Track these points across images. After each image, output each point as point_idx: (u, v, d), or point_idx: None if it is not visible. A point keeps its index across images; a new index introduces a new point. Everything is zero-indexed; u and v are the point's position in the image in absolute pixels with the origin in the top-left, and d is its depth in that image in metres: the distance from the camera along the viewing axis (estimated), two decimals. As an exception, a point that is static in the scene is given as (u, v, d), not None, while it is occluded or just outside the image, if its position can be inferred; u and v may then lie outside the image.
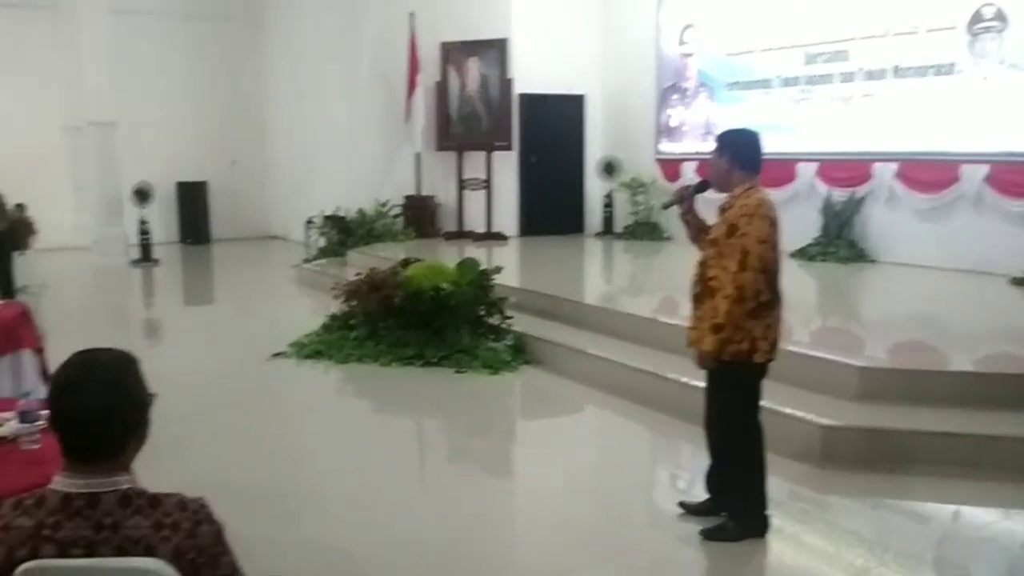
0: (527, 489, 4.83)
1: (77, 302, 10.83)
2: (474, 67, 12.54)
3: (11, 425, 2.72)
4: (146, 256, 13.21)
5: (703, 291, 3.69)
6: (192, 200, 15.70)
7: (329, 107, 14.06)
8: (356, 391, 6.70)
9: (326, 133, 14.22)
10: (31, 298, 9.62)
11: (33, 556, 1.71)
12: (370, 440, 5.42)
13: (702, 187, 3.94)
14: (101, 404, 1.75)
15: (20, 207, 10.91)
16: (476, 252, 10.18)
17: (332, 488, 4.58)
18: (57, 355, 1.99)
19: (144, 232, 13.26)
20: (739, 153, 3.67)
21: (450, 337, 6.88)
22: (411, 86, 12.51)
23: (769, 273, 3.57)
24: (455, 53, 12.64)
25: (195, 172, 15.69)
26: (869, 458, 4.56)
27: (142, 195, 13.39)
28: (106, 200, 13.37)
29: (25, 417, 2.66)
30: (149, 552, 1.72)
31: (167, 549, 1.73)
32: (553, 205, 12.74)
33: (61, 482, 1.76)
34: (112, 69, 13.29)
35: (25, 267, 10.29)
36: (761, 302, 3.56)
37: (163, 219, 14.99)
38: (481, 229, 12.41)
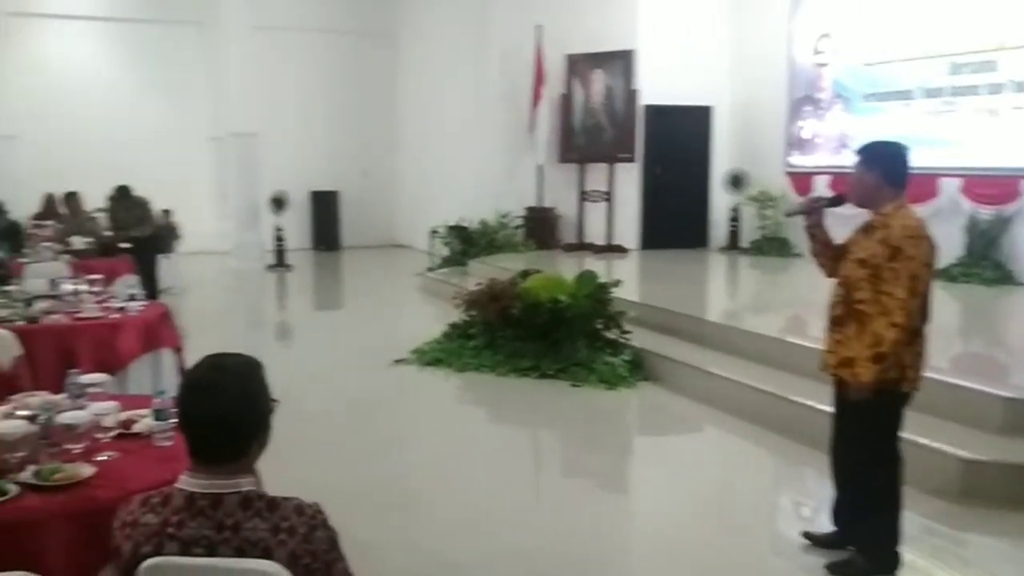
0: (643, 508, 4.72)
1: (216, 304, 11.41)
2: (599, 79, 12.48)
3: (146, 422, 2.86)
4: (280, 261, 13.78)
5: (846, 314, 3.44)
6: (325, 208, 16.30)
7: (456, 119, 14.32)
8: (474, 399, 6.75)
9: (452, 144, 14.49)
10: (174, 299, 10.21)
11: (157, 553, 1.77)
12: (486, 449, 5.44)
13: (836, 201, 3.73)
14: (226, 409, 1.80)
15: (166, 213, 11.58)
16: (595, 265, 10.09)
17: (448, 496, 4.61)
18: (195, 354, 2.06)
19: (279, 238, 13.85)
20: (890, 168, 3.43)
21: (566, 350, 6.84)
22: (536, 98, 12.58)
23: (923, 297, 3.35)
24: (581, 65, 12.63)
25: (328, 182, 16.29)
26: (1013, 495, 4.22)
27: (279, 203, 14.00)
28: (245, 207, 14.04)
29: (159, 415, 2.78)
30: (266, 555, 1.76)
31: (283, 553, 1.76)
32: (676, 218, 12.51)
33: (186, 481, 1.82)
34: (254, 83, 13.96)
35: (169, 270, 10.92)
36: (914, 328, 3.34)
37: (297, 226, 15.61)
38: (601, 241, 12.32)
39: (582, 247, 12.38)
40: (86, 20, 15.00)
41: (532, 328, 7.01)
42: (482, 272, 9.75)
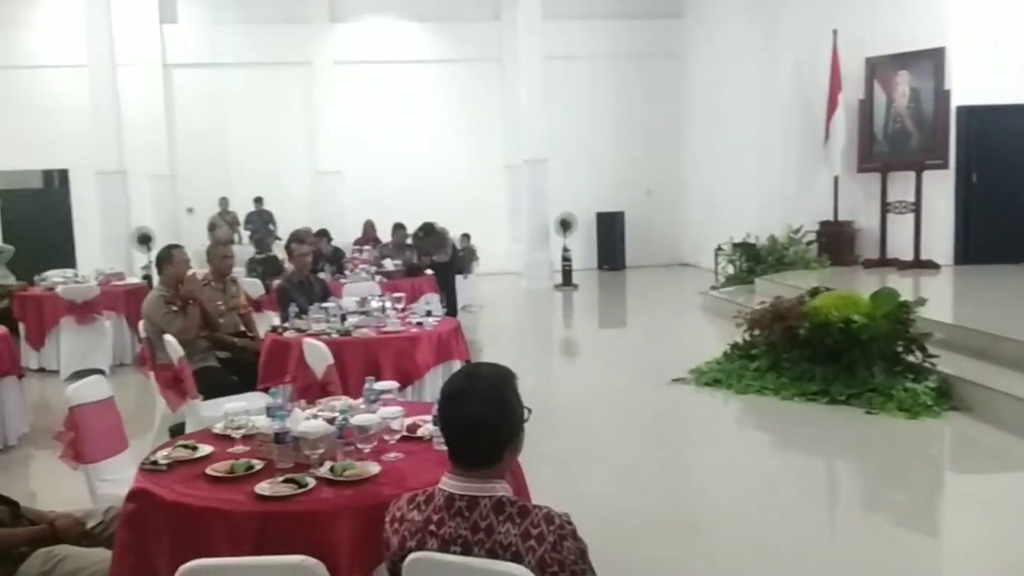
0: (950, 551, 4.23)
1: (507, 321, 12.03)
2: (903, 81, 11.50)
3: (428, 427, 3.08)
4: (567, 281, 14.23)
5: None
6: (610, 229, 16.59)
7: (744, 133, 13.94)
8: (755, 423, 6.47)
9: (740, 159, 14.12)
10: (471, 316, 10.94)
11: (420, 548, 1.90)
12: (769, 476, 5.18)
13: None
14: (478, 415, 1.90)
15: (465, 237, 12.43)
16: (900, 282, 9.27)
17: (730, 523, 4.44)
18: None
19: (566, 259, 14.31)
20: None
21: (861, 374, 6.33)
22: (831, 105, 11.87)
23: None
24: (882, 67, 11.73)
25: (613, 203, 16.58)
26: None
27: (566, 225, 14.49)
28: (535, 230, 14.68)
29: (437, 421, 2.97)
30: (516, 559, 1.82)
31: (532, 559, 1.81)
32: (999, 230, 11.11)
33: (447, 482, 1.94)
34: (544, 111, 14.59)
35: (467, 289, 11.70)
36: None
37: (583, 247, 16.05)
38: (907, 256, 11.28)
39: (884, 263, 11.42)
40: (397, 64, 16.60)
41: (821, 350, 6.58)
42: (770, 290, 9.35)
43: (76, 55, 14.60)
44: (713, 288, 11.90)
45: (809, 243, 11.94)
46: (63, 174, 16.46)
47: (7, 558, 2.66)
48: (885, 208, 11.61)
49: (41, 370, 8.31)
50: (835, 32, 11.75)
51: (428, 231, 10.66)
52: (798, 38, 12.54)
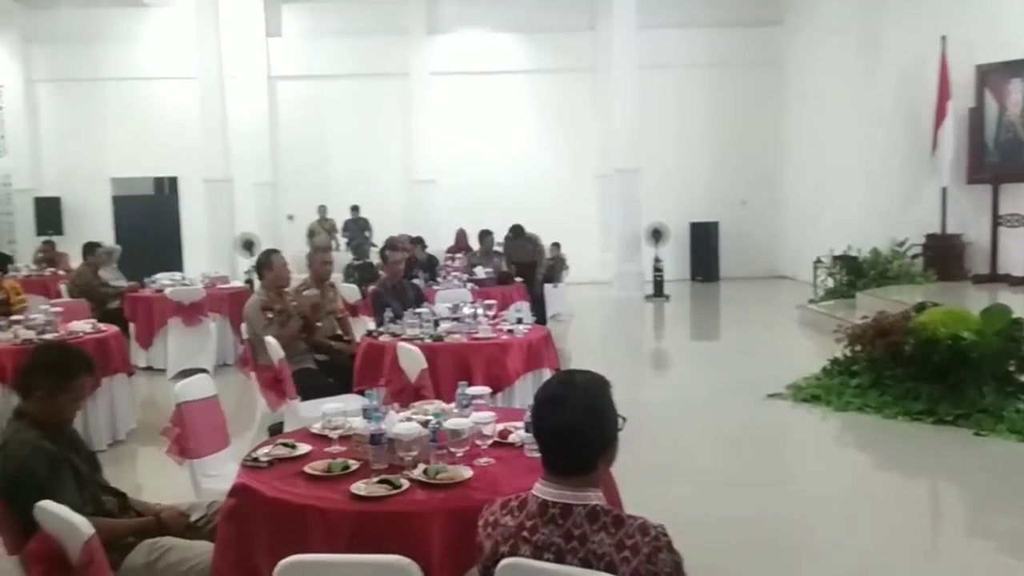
0: (1063, 586, 3.98)
1: (597, 331, 11.96)
2: (1016, 89, 10.94)
3: (519, 434, 3.08)
4: (658, 292, 14.04)
5: None
6: (703, 239, 16.30)
7: (845, 142, 13.52)
8: (855, 442, 6.24)
9: (840, 170, 13.69)
10: (560, 325, 10.91)
11: (513, 553, 1.89)
12: (870, 497, 4.98)
13: None
14: (571, 421, 1.88)
15: (556, 246, 12.43)
16: (1012, 298, 8.78)
17: (828, 544, 4.28)
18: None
19: (658, 269, 14.13)
20: None
21: (970, 393, 6.03)
22: (940, 114, 11.40)
23: None
24: (993, 75, 11.19)
25: (707, 213, 16.31)
26: None
27: (657, 235, 14.32)
28: (626, 239, 14.56)
29: (530, 427, 2.97)
30: (610, 569, 1.79)
31: (627, 570, 1.78)
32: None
33: (540, 489, 1.93)
34: (637, 121, 14.47)
35: (557, 298, 11.67)
36: None
37: (676, 257, 15.81)
38: (1020, 272, 10.70)
39: (995, 278, 10.88)
40: (492, 74, 16.77)
41: (927, 367, 6.30)
42: (871, 305, 9.02)
43: (186, 68, 15.27)
44: (811, 301, 11.56)
45: (914, 257, 11.47)
46: (172, 182, 17.24)
47: (115, 547, 2.77)
48: (996, 221, 11.06)
49: (149, 368, 8.67)
50: (943, 39, 11.29)
51: (517, 232, 10.72)
52: (904, 45, 12.11)
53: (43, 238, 14.01)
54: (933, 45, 11.35)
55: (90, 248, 9.26)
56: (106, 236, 14.59)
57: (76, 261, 10.21)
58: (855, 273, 11.39)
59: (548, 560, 1.85)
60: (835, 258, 11.91)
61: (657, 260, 14.18)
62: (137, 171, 16.95)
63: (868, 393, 6.57)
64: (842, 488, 5.15)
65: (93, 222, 16.13)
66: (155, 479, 5.21)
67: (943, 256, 11.38)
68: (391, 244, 7.14)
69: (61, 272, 11.10)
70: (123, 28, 16.60)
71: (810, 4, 15.40)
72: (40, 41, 16.68)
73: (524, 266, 10.48)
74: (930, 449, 5.73)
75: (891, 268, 11.21)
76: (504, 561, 1.88)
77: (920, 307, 6.99)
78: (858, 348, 6.95)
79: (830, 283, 11.90)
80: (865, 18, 12.95)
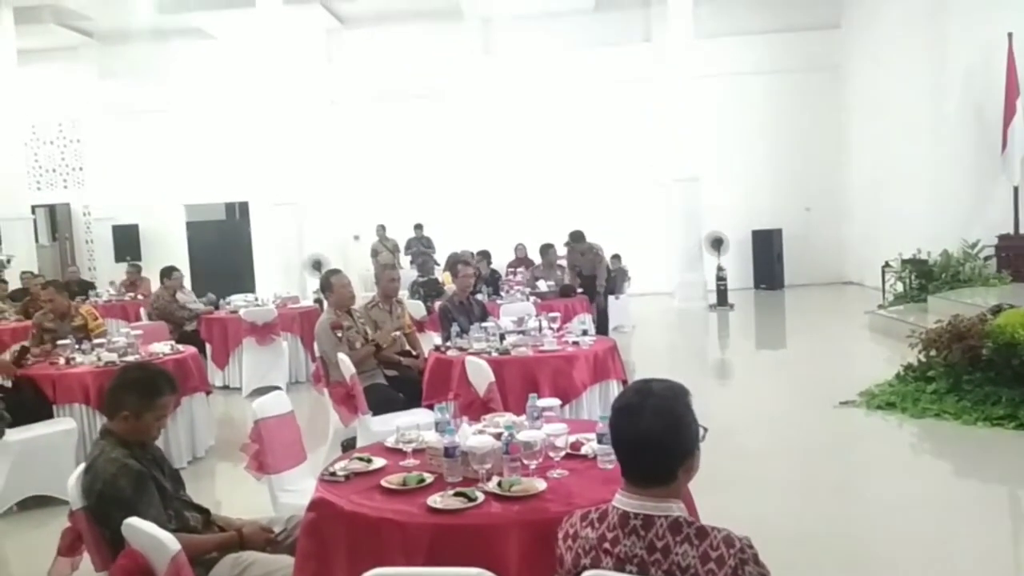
0: None
1: (661, 342, 11.81)
2: (1091, 82, 10.50)
3: (591, 445, 3.03)
4: (722, 301, 13.82)
5: None
6: (767, 247, 16.00)
7: (911, 144, 13.18)
8: (934, 449, 6.01)
9: (907, 173, 13.35)
10: (623, 337, 10.81)
11: (595, 566, 1.85)
12: (952, 507, 4.78)
13: None
14: (648, 430, 1.84)
15: (616, 257, 12.33)
16: (1094, 299, 8.41)
17: (909, 556, 4.12)
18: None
19: (721, 278, 13.91)
20: None
21: (1054, 397, 5.78)
22: (1008, 112, 10.99)
23: None
24: (1066, 69, 10.76)
25: (770, 220, 16.03)
26: None
27: (718, 243, 14.11)
28: (688, 249, 14.38)
29: (602, 439, 2.93)
30: (695, 582, 1.74)
31: (712, 582, 1.73)
32: None
33: (621, 500, 1.88)
34: (699, 128, 14.32)
35: (619, 309, 11.58)
36: None
37: (739, 265, 15.58)
38: (1101, 271, 10.25)
39: (1075, 279, 10.41)
40: (550, 89, 16.78)
41: (1007, 371, 6.08)
42: (943, 309, 8.71)
43: (253, 96, 15.66)
44: (881, 307, 11.24)
45: (987, 258, 11.06)
46: (243, 206, 17.66)
47: (200, 563, 2.81)
48: (1075, 219, 10.60)
49: (225, 387, 8.86)
50: (1010, 35, 10.89)
51: (576, 238, 10.66)
52: (967, 42, 11.74)
53: (123, 264, 14.47)
54: (999, 42, 10.97)
55: (167, 272, 9.52)
56: (181, 261, 15.00)
57: (156, 286, 10.51)
58: (926, 277, 11.04)
59: (631, 572, 1.80)
60: (904, 262, 11.57)
61: (720, 269, 13.97)
62: (209, 197, 17.42)
63: (945, 399, 6.36)
64: (921, 497, 4.96)
65: (169, 247, 16.63)
66: (233, 495, 5.29)
67: (1017, 257, 10.92)
68: (462, 259, 7.19)
69: (141, 296, 11.44)
70: (192, 59, 17.12)
71: (869, 6, 15.09)
72: (114, 75, 17.32)
73: (586, 278, 10.44)
74: (1012, 455, 5.49)
75: (963, 271, 10.84)
76: (586, 574, 1.85)
77: (997, 309, 6.75)
78: (933, 353, 6.74)
79: (899, 288, 11.57)
80: (927, 18, 12.65)
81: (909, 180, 13.25)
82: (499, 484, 2.68)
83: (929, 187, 12.57)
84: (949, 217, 11.82)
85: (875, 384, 7.08)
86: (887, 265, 12.03)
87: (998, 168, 11.22)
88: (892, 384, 6.95)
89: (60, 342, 6.23)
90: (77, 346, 6.23)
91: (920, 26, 12.90)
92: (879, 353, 9.08)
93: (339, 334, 5.71)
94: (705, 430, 1.94)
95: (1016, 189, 10.98)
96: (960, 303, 8.79)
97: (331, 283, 5.99)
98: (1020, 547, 4.43)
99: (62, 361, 6.01)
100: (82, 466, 2.94)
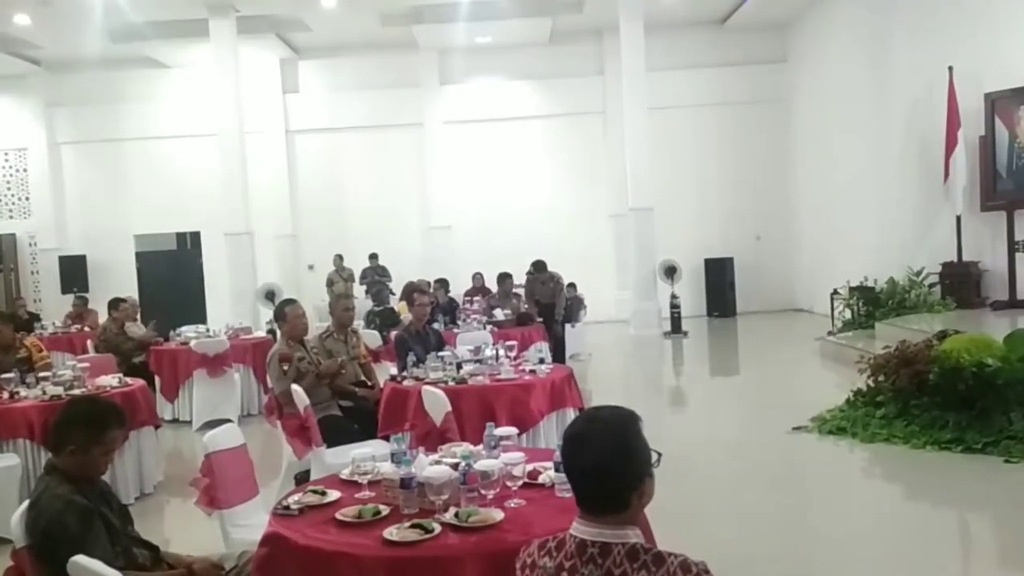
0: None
1: (616, 369, 11.88)
2: (1026, 115, 10.92)
3: (549, 474, 3.03)
4: (676, 328, 13.97)
5: None
6: (719, 275, 16.26)
7: (857, 174, 13.55)
8: (884, 474, 6.12)
9: (853, 202, 13.69)
10: (579, 365, 10.85)
11: (554, 595, 1.84)
12: (900, 530, 4.86)
13: None
14: (597, 458, 1.84)
15: (572, 286, 12.41)
16: (1033, 324, 8.68)
17: (852, 575, 4.19)
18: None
19: (675, 306, 14.08)
20: None
21: (997, 420, 5.92)
22: (950, 143, 11.35)
23: None
24: (1002, 103, 11.14)
25: (722, 248, 16.31)
26: None
27: (671, 272, 14.30)
28: (642, 277, 14.53)
29: (559, 467, 2.92)
30: (652, 609, 1.74)
31: (670, 608, 1.73)
32: None
33: (577, 528, 1.88)
34: (649, 160, 14.54)
35: (575, 338, 11.63)
36: None
37: (692, 293, 15.80)
38: (1040, 298, 10.57)
39: (1015, 304, 10.70)
40: (504, 121, 16.94)
41: (953, 396, 6.21)
42: (890, 335, 8.91)
43: (206, 126, 15.54)
44: (830, 333, 11.47)
45: (932, 285, 11.36)
46: (195, 236, 17.39)
47: (148, 600, 2.74)
48: (1013, 247, 10.93)
49: (175, 420, 8.67)
50: (950, 69, 11.29)
51: (539, 267, 10.76)
52: (911, 76, 12.15)
53: (70, 295, 14.14)
54: (940, 75, 11.36)
55: (115, 304, 9.31)
56: (131, 292, 14.68)
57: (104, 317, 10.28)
58: (873, 304, 11.29)
59: (589, 601, 1.80)
60: (852, 289, 11.83)
61: (674, 297, 14.15)
62: (160, 227, 17.11)
63: (894, 423, 6.48)
64: (873, 521, 5.04)
65: (118, 278, 16.26)
66: (183, 531, 5.17)
67: (960, 284, 11.24)
68: (418, 287, 7.14)
69: (88, 328, 11.18)
70: (143, 89, 16.92)
71: (815, 41, 15.55)
72: (63, 104, 17.05)
73: (544, 307, 10.50)
74: (959, 478, 5.61)
75: (909, 298, 11.11)
76: (545, 603, 1.84)
77: (942, 335, 6.92)
78: (882, 378, 6.87)
79: (848, 315, 11.80)
80: (870, 52, 13.06)
81: (856, 209, 13.59)
82: (456, 515, 2.66)
83: (875, 216, 12.90)
84: (895, 245, 12.13)
85: (826, 409, 7.19)
86: (835, 292, 12.29)
87: (941, 197, 11.56)
88: (843, 409, 7.07)
89: (3, 375, 6.04)
90: (21, 380, 6.05)
91: (863, 60, 13.32)
92: (829, 379, 9.24)
93: (285, 367, 5.62)
94: (659, 455, 1.95)
95: (959, 218, 11.31)
96: (907, 329, 9.00)
97: (285, 313, 5.93)
98: (968, 568, 4.51)
99: (5, 395, 5.83)
100: (26, 503, 2.85)
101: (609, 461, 1.84)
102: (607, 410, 1.96)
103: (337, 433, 5.30)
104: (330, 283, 15.02)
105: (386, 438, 5.12)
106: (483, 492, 2.79)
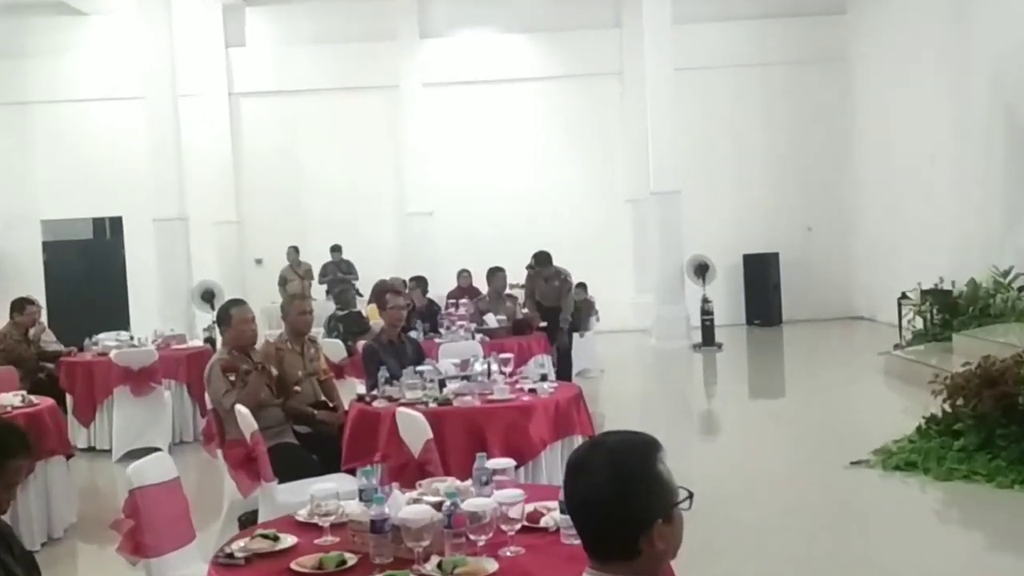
0: None
1: (635, 389, 11.93)
2: None
3: (553, 516, 3.04)
4: (708, 340, 14.00)
5: None
6: (761, 275, 16.31)
7: (930, 153, 13.56)
8: (962, 518, 6.19)
9: (925, 186, 13.73)
10: (590, 383, 10.86)
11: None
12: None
13: None
14: (592, 491, 1.85)
15: (582, 287, 12.42)
16: None
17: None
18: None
19: (707, 312, 14.09)
20: None
21: (1103, 454, 5.96)
22: (1044, 115, 11.42)
23: None
24: (1109, 65, 11.23)
25: (764, 242, 16.35)
26: None
27: (702, 270, 14.32)
28: (667, 277, 14.55)
29: (564, 507, 2.93)
30: None
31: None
32: None
33: (586, 578, 1.89)
34: (675, 133, 14.57)
35: (585, 350, 11.64)
36: None
37: (728, 297, 15.85)
38: None
39: (1123, 313, 10.79)
40: (498, 83, 16.96)
41: (1048, 424, 6.25)
42: (972, 349, 8.95)
43: (131, 87, 15.50)
44: (898, 347, 11.53)
45: (1021, 289, 11.41)
46: (115, 222, 17.38)
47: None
48: (1122, 242, 11.01)
49: (91, 449, 8.66)
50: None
51: (542, 261, 10.70)
52: (997, 33, 12.16)
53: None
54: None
55: (18, 306, 9.28)
56: (36, 290, 14.68)
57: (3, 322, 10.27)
58: (950, 311, 11.34)
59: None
60: (924, 293, 11.88)
61: (705, 301, 14.17)
62: (73, 211, 17.11)
63: (976, 457, 6.51)
64: (947, 572, 5.07)
65: (20, 274, 16.21)
66: (101, 585, 5.17)
67: (1058, 287, 11.31)
68: (392, 287, 7.14)
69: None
70: (54, 40, 16.88)
71: (880, -13, 15.59)
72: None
73: (548, 311, 10.46)
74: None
75: (994, 304, 11.14)
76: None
77: (1035, 350, 6.95)
78: (960, 402, 6.91)
79: (919, 324, 11.84)
80: (949, 2, 13.06)
81: (929, 195, 13.62)
82: (439, 565, 2.68)
83: (952, 203, 12.93)
84: (977, 240, 12.17)
85: (892, 440, 7.22)
86: (904, 297, 12.33)
87: (1036, 182, 11.63)
88: (912, 440, 7.09)
89: None
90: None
91: (941, 10, 13.33)
92: (896, 402, 9.34)
93: (232, 377, 5.60)
94: (691, 495, 1.95)
95: (1055, 207, 11.39)
96: (991, 342, 9.03)
97: (231, 316, 5.91)
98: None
99: None
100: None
101: (601, 494, 1.84)
102: (617, 435, 1.96)
103: (292, 465, 5.30)
104: (283, 281, 15.03)
105: (352, 471, 5.12)
106: (472, 537, 2.81)
